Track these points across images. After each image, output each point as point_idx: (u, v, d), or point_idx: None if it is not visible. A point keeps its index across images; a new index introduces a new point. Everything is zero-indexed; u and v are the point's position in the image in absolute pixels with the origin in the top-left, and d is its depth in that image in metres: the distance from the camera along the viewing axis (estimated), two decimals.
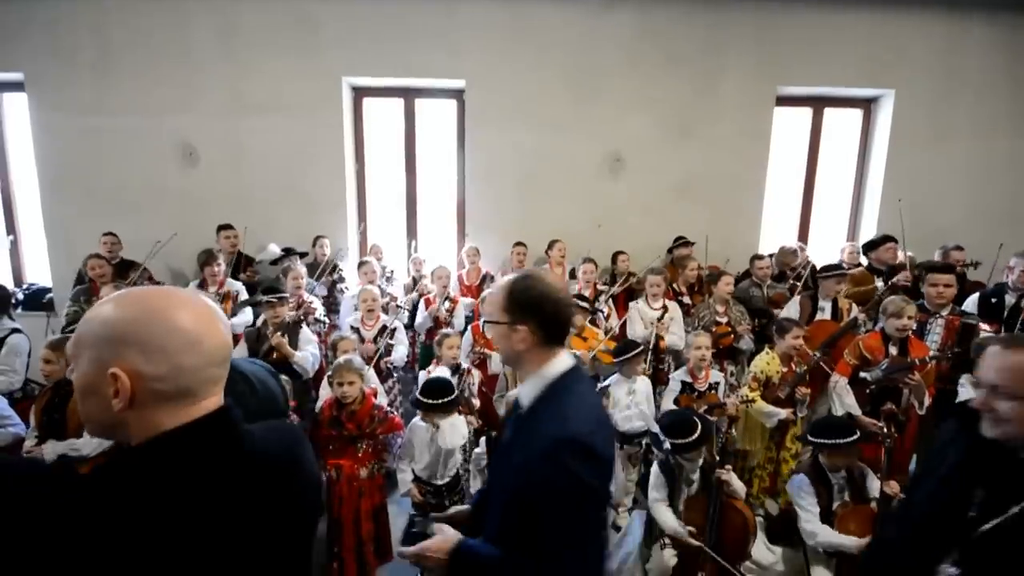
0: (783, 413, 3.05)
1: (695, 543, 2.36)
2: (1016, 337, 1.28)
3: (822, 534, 2.37)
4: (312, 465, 1.00)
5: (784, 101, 5.28)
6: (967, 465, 1.26)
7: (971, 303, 3.51)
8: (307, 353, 3.39)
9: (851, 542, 2.29)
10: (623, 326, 3.96)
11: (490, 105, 5.09)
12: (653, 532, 2.71)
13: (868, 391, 2.97)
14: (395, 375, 3.83)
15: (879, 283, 4.04)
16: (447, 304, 4.14)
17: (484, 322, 1.37)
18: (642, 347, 3.29)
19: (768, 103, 5.19)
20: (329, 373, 2.92)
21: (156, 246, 4.48)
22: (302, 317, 3.60)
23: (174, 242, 4.86)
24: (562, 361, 1.27)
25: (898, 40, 5.07)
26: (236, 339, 3.79)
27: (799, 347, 3.17)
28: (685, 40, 5.06)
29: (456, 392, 2.81)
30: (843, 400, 2.99)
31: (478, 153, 5.19)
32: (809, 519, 2.43)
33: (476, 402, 3.19)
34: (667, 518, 2.48)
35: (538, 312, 1.25)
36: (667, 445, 2.52)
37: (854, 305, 3.72)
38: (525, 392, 1.28)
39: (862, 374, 3.02)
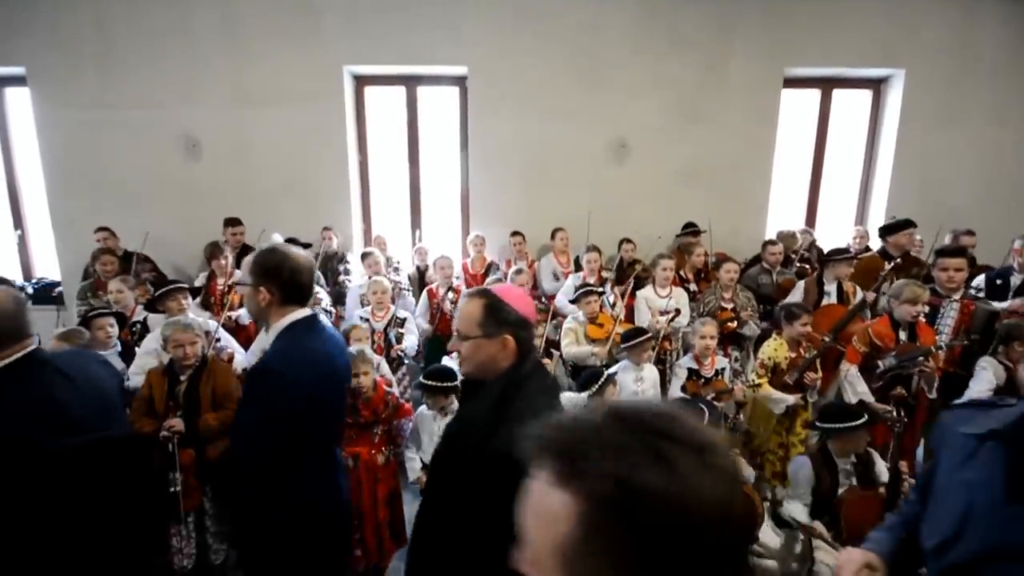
0: (791, 399, 3.04)
1: None
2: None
3: (793, 512, 2.45)
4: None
5: (792, 83, 5.20)
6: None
7: (978, 284, 3.49)
8: None
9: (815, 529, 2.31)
10: (629, 311, 3.96)
11: (493, 92, 5.03)
12: None
13: (880, 378, 2.96)
14: (405, 364, 3.84)
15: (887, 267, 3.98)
16: (451, 295, 4.14)
17: (238, 283, 1.66)
18: (649, 334, 3.28)
19: (776, 85, 5.11)
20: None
21: (146, 237, 4.51)
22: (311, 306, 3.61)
23: (179, 234, 4.88)
24: (294, 316, 1.63)
25: (909, 18, 4.96)
26: (247, 329, 3.84)
27: (808, 333, 3.14)
28: (691, 22, 4.97)
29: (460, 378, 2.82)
30: (855, 388, 2.97)
31: (481, 141, 5.16)
32: (791, 499, 2.50)
33: None
34: None
35: (277, 277, 1.58)
36: None
37: (859, 288, 3.70)
38: (267, 339, 1.65)
39: (876, 361, 3.01)
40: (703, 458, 0.50)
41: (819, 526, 2.35)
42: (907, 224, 4.16)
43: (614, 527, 0.48)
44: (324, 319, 1.79)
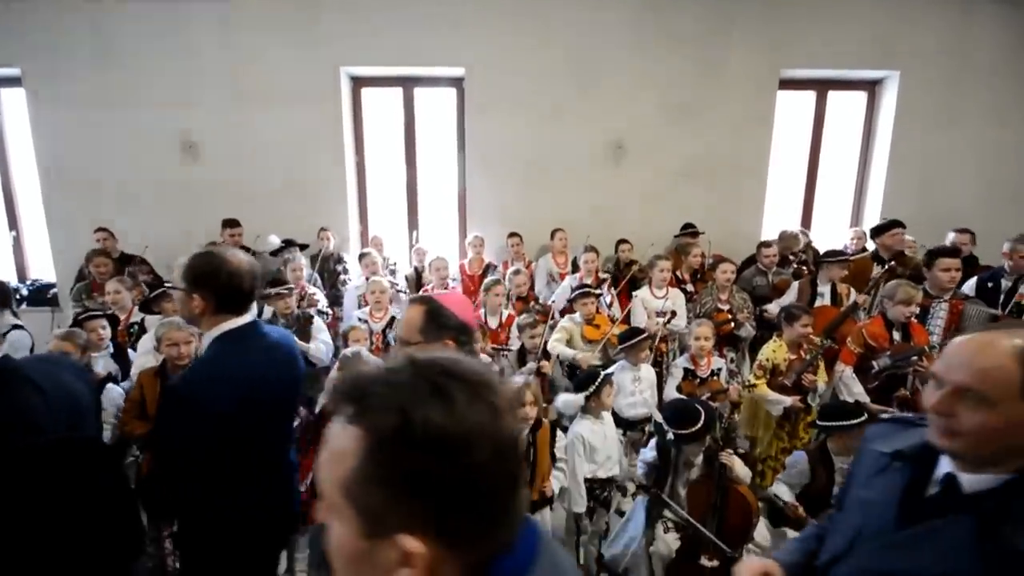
0: (788, 401, 3.03)
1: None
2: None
3: (777, 490, 2.54)
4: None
5: (787, 84, 5.22)
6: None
7: (969, 287, 3.51)
8: (320, 343, 3.44)
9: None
10: (626, 312, 3.96)
11: (490, 93, 5.04)
12: (652, 516, 2.74)
13: (875, 379, 2.97)
14: None
15: (877, 269, 4.01)
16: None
17: (171, 287, 1.57)
18: (646, 334, 3.29)
19: (771, 86, 5.13)
20: (338, 364, 2.95)
21: (145, 250, 4.58)
22: (306, 308, 3.62)
23: (176, 235, 4.87)
24: (227, 325, 1.54)
25: (905, 20, 4.98)
26: None
27: (808, 335, 3.12)
28: (687, 23, 4.99)
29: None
30: (851, 389, 2.98)
31: (478, 142, 5.16)
32: (780, 480, 2.56)
33: None
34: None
35: (211, 283, 1.50)
36: (670, 436, 2.53)
37: (852, 289, 3.71)
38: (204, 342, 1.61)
39: (871, 362, 3.02)
40: (478, 393, 0.56)
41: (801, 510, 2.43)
42: (893, 225, 4.20)
43: (393, 455, 0.52)
44: (268, 326, 1.73)
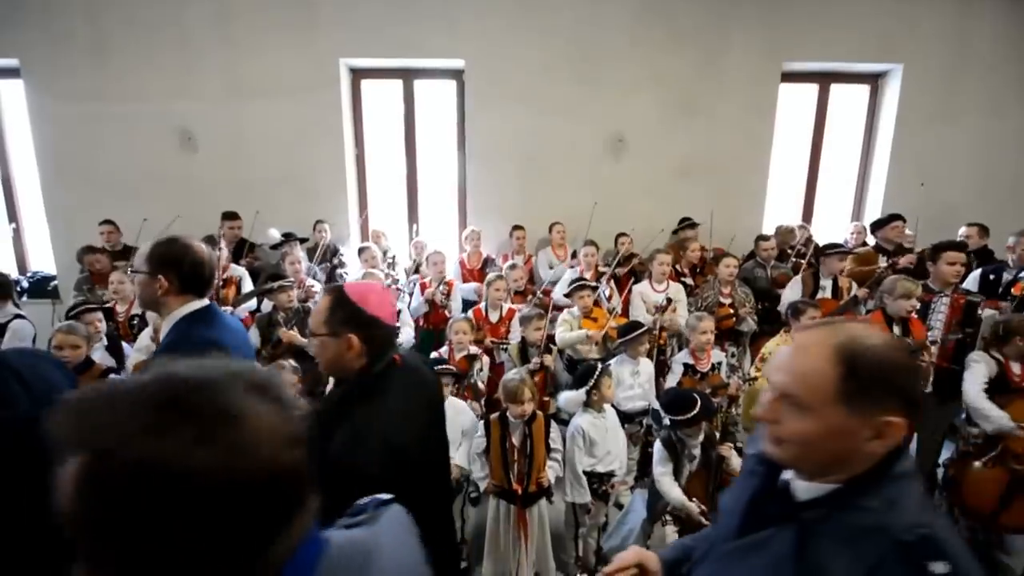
0: None
1: (703, 520, 2.37)
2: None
3: None
4: None
5: (789, 77, 5.18)
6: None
7: (971, 280, 3.50)
8: None
9: None
10: (626, 306, 3.96)
11: (490, 86, 5.01)
12: (655, 510, 2.75)
13: None
14: None
15: (883, 262, 4.01)
16: (442, 287, 4.14)
17: (132, 270, 1.58)
18: (646, 327, 3.29)
19: (773, 80, 5.10)
20: None
21: (143, 224, 4.51)
22: (306, 301, 3.62)
23: (175, 227, 4.85)
24: (192, 306, 1.62)
25: (908, 13, 4.94)
26: (244, 324, 3.83)
27: None
28: (689, 16, 4.95)
29: (455, 370, 2.85)
30: None
31: (478, 135, 5.14)
32: None
33: (483, 387, 3.20)
34: (674, 492, 2.49)
35: (176, 266, 1.58)
36: (667, 421, 2.54)
37: (854, 284, 3.71)
38: (164, 327, 1.65)
39: None
40: (210, 431, 0.50)
41: None
42: (893, 218, 4.20)
43: (88, 492, 0.48)
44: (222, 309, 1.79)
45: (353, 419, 1.23)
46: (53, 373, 1.66)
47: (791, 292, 3.82)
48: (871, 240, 4.74)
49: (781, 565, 0.85)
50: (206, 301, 1.68)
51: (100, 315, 3.16)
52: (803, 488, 0.90)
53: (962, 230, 4.30)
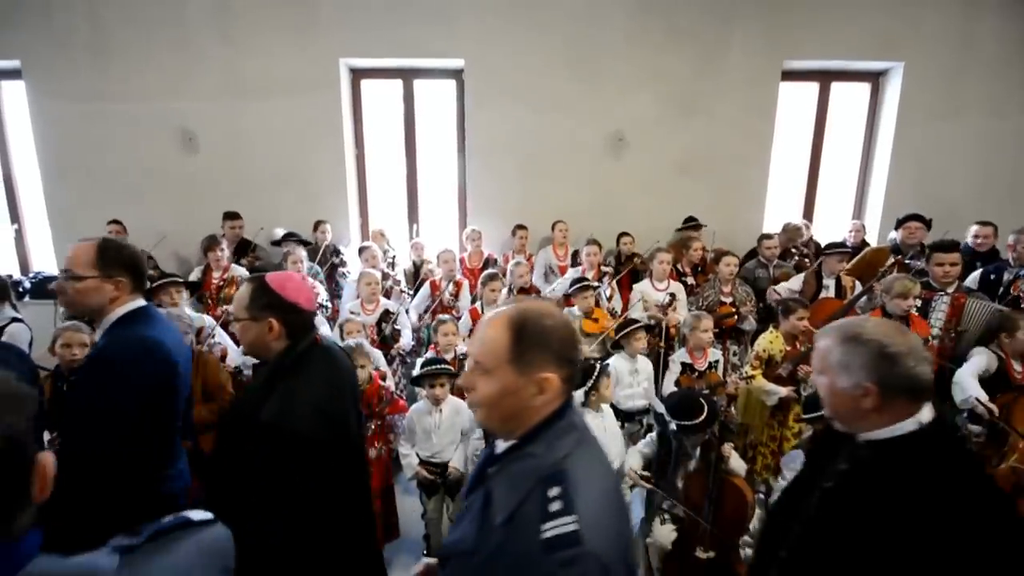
0: (783, 391, 3.05)
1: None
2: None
3: None
4: None
5: (790, 76, 5.17)
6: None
7: (971, 279, 3.49)
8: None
9: None
10: (626, 306, 3.97)
11: (490, 85, 5.01)
12: (652, 508, 2.75)
13: None
14: (397, 360, 3.85)
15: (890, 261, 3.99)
16: (451, 287, 4.15)
17: (73, 276, 1.56)
18: (641, 323, 3.30)
19: (774, 78, 5.08)
20: None
21: (161, 240, 4.56)
22: None
23: (177, 227, 4.89)
24: (134, 304, 1.62)
25: (909, 11, 4.92)
26: None
27: (804, 327, 3.13)
28: (689, 14, 4.94)
29: (452, 370, 2.86)
30: None
31: (478, 134, 5.14)
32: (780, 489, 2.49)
33: None
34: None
35: (130, 267, 1.59)
36: (673, 427, 2.53)
37: (857, 283, 3.70)
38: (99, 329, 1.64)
39: None
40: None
41: None
42: (909, 219, 4.17)
43: None
44: (158, 309, 1.80)
45: (283, 389, 1.39)
46: (14, 363, 1.71)
47: (787, 286, 3.82)
48: (870, 239, 4.73)
49: (476, 518, 0.96)
50: (143, 301, 1.66)
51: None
52: (500, 447, 1.04)
53: (973, 228, 4.26)
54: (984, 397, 2.62)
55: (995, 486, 1.12)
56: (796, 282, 3.85)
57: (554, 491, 0.87)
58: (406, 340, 3.75)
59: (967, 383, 2.71)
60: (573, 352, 1.01)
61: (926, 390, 1.08)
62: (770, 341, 3.22)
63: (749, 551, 2.56)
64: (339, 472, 1.47)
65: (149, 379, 1.52)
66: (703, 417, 2.43)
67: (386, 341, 3.67)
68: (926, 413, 1.09)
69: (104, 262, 1.56)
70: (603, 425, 2.76)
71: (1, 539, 0.62)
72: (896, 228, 4.36)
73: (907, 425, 1.07)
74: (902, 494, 1.03)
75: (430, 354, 3.23)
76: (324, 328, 3.55)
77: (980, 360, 2.80)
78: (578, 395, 2.73)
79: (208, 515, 0.84)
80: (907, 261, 3.78)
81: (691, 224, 4.88)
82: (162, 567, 0.71)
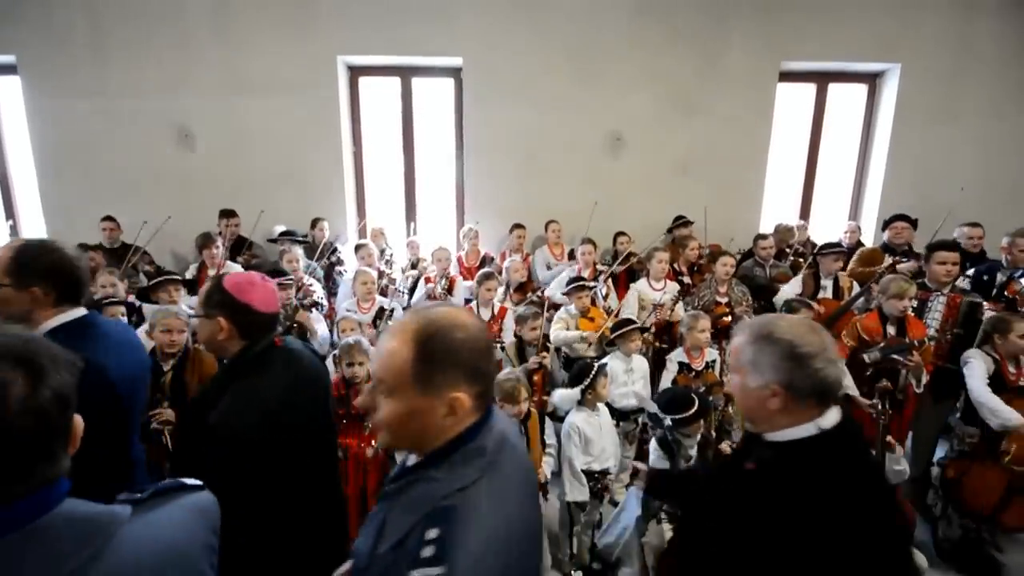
0: None
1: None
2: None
3: None
4: None
5: (787, 77, 5.18)
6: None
7: (965, 280, 3.50)
8: (319, 334, 3.47)
9: None
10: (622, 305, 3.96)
11: (488, 84, 5.01)
12: (650, 507, 2.75)
13: (867, 373, 2.97)
14: None
15: (888, 261, 4.00)
16: (444, 283, 4.15)
17: None
18: (637, 324, 3.30)
19: (771, 79, 5.09)
20: (336, 353, 2.95)
21: (143, 226, 4.43)
22: (303, 299, 3.63)
23: (174, 225, 4.85)
24: (67, 316, 1.48)
25: (906, 13, 4.94)
26: None
27: None
28: (688, 14, 4.94)
29: None
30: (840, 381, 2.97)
31: (476, 133, 5.13)
32: None
33: None
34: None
35: (55, 275, 1.44)
36: (667, 422, 2.54)
37: (855, 283, 3.70)
38: None
39: (862, 355, 3.02)
40: None
41: None
42: (895, 219, 4.19)
43: None
44: (104, 319, 1.66)
45: (235, 391, 1.38)
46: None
47: (790, 288, 3.82)
48: (866, 240, 4.74)
49: (372, 535, 0.90)
50: (82, 311, 1.52)
51: (122, 308, 3.19)
52: (411, 460, 0.96)
53: (964, 229, 4.28)
54: (1020, 419, 2.59)
55: (886, 500, 1.11)
56: (795, 284, 3.85)
57: (432, 533, 0.79)
58: None
59: (993, 404, 2.65)
60: (487, 365, 0.92)
61: (833, 393, 1.06)
62: None
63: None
64: (298, 474, 1.45)
65: (79, 404, 1.38)
66: (693, 410, 2.45)
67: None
68: (831, 417, 1.07)
69: (17, 270, 1.40)
70: (599, 423, 2.76)
71: (46, 476, 0.73)
72: (883, 229, 4.38)
73: (807, 429, 1.05)
74: (791, 498, 1.02)
75: None
76: (321, 326, 3.53)
77: (980, 366, 2.79)
78: (575, 393, 2.73)
79: (198, 482, 0.91)
80: (900, 262, 3.79)
81: (681, 222, 4.88)
82: (169, 515, 0.83)
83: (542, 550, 1.14)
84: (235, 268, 4.22)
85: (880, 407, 2.49)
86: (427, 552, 0.78)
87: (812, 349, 1.04)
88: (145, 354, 1.74)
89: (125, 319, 3.17)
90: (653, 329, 3.65)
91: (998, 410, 2.64)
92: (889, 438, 2.38)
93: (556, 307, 3.89)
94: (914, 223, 4.22)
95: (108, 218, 4.63)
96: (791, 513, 1.00)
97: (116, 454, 1.53)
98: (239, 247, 4.70)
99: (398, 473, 0.97)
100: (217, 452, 1.33)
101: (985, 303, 3.16)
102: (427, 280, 4.20)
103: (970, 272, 3.57)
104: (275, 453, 1.37)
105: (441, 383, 0.87)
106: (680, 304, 3.87)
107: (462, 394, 0.88)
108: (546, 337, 3.45)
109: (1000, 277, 3.42)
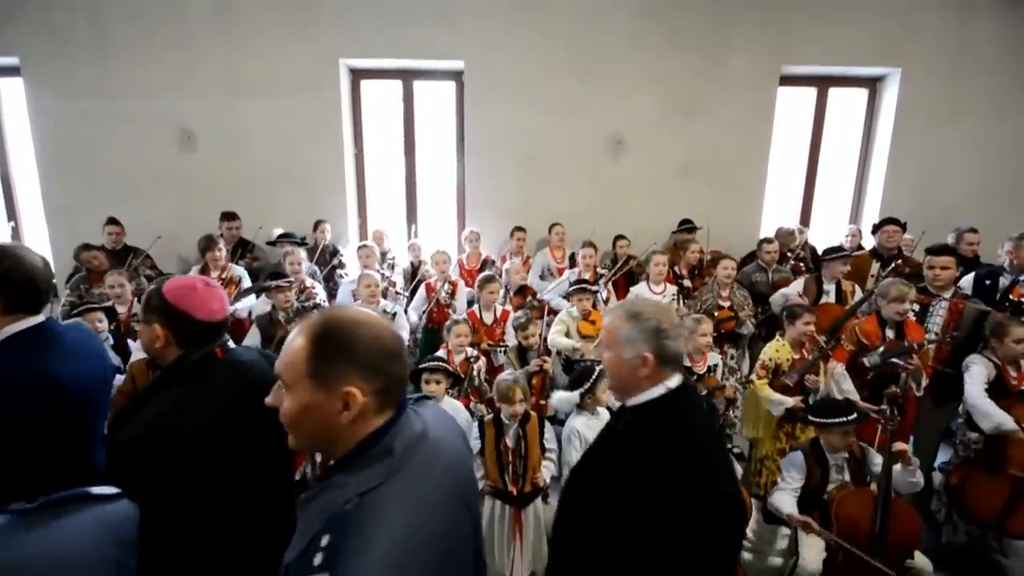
0: (790, 402, 2.94)
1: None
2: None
3: (780, 503, 2.44)
4: None
5: (788, 81, 5.19)
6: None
7: (965, 283, 3.50)
8: None
9: (802, 520, 2.33)
10: None
11: (489, 87, 5.02)
12: None
13: (867, 377, 2.97)
14: None
15: (876, 267, 4.01)
16: (447, 287, 4.15)
17: None
18: None
19: (772, 82, 5.10)
20: None
21: (155, 241, 4.54)
22: (305, 301, 3.63)
23: (176, 227, 4.88)
24: (18, 326, 1.42)
25: (906, 17, 4.95)
26: (242, 324, 3.83)
27: (810, 333, 3.05)
28: (689, 17, 4.96)
29: (451, 369, 2.85)
30: (841, 386, 2.96)
31: (477, 136, 5.14)
32: (782, 489, 2.49)
33: (487, 388, 3.19)
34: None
35: (3, 283, 1.38)
36: None
37: (857, 288, 3.70)
38: None
39: (862, 359, 3.01)
40: None
41: (813, 522, 2.32)
42: (887, 222, 4.19)
43: None
44: (65, 325, 1.63)
45: (155, 407, 1.29)
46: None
47: (791, 290, 3.81)
48: (867, 244, 4.73)
49: (296, 539, 0.87)
50: (40, 318, 1.47)
51: (101, 315, 3.16)
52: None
53: (950, 236, 4.29)
54: (1012, 423, 2.60)
55: (714, 445, 1.33)
56: (796, 286, 3.85)
57: (324, 540, 0.77)
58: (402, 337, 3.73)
59: (986, 407, 2.67)
60: (389, 366, 0.90)
61: (680, 360, 1.31)
62: (776, 350, 3.13)
63: (747, 554, 2.56)
64: (237, 496, 1.34)
65: (32, 414, 1.35)
66: None
67: None
68: (675, 380, 1.30)
69: None
70: (598, 427, 2.74)
71: None
72: (872, 233, 4.38)
73: (658, 390, 1.27)
74: (650, 445, 1.21)
75: (441, 353, 3.22)
76: None
77: (980, 372, 2.78)
78: (574, 396, 2.73)
79: (112, 490, 0.85)
80: (900, 267, 3.79)
81: (687, 227, 4.88)
82: (45, 532, 0.74)
83: (482, 557, 1.10)
84: (238, 270, 4.23)
85: (888, 413, 2.48)
86: (316, 560, 0.75)
87: (670, 326, 1.29)
88: (107, 360, 1.68)
89: (104, 325, 3.15)
90: None
91: (991, 414, 2.65)
92: (904, 447, 2.36)
93: (555, 313, 3.89)
94: (903, 226, 4.22)
95: (112, 221, 4.61)
96: (650, 459, 1.19)
97: (74, 460, 1.48)
98: (240, 249, 4.71)
99: (320, 477, 0.96)
100: (123, 467, 1.25)
101: (993, 312, 3.15)
102: (428, 286, 4.19)
103: (969, 276, 3.56)
104: (200, 473, 1.27)
105: (334, 377, 0.87)
106: (682, 305, 3.87)
107: (355, 389, 0.86)
108: (547, 340, 3.45)
109: (1004, 281, 3.41)
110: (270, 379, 1.45)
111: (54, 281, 1.55)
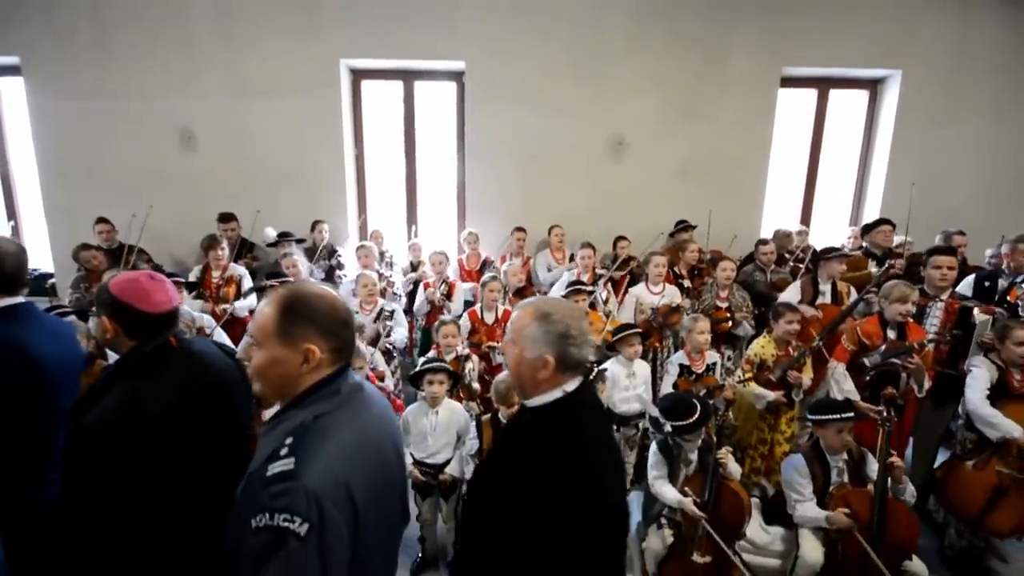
0: (771, 396, 3.06)
1: (698, 513, 2.38)
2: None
3: (807, 512, 2.45)
4: None
5: (789, 82, 5.20)
6: None
7: (966, 285, 3.50)
8: None
9: (837, 517, 2.35)
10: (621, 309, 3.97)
11: (490, 87, 5.02)
12: (649, 513, 2.75)
13: (868, 377, 2.97)
14: (396, 359, 3.84)
15: (873, 267, 4.01)
16: (443, 287, 4.15)
17: None
18: (637, 329, 3.31)
19: (773, 84, 5.11)
20: None
21: (132, 218, 4.42)
22: None
23: (176, 226, 4.87)
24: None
25: (907, 19, 4.96)
26: (243, 323, 3.84)
27: (794, 331, 3.15)
28: (690, 19, 4.96)
29: (451, 369, 2.85)
30: (841, 386, 2.98)
31: (478, 137, 5.15)
32: (800, 499, 2.49)
33: (477, 387, 3.20)
34: (668, 492, 2.51)
35: None
36: (668, 428, 2.54)
37: (852, 289, 3.71)
38: None
39: (863, 359, 3.02)
40: None
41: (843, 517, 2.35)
42: (881, 222, 4.20)
43: None
44: (44, 314, 1.74)
45: (118, 393, 1.37)
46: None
47: (788, 296, 3.82)
48: (864, 244, 4.72)
49: (255, 460, 1.10)
50: (19, 298, 1.61)
51: (73, 317, 3.14)
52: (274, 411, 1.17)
53: (938, 237, 4.29)
54: (1020, 431, 2.58)
55: (607, 454, 1.32)
56: (794, 290, 3.86)
57: (287, 441, 1.02)
58: (398, 336, 3.74)
59: (990, 416, 2.64)
60: (339, 327, 1.14)
61: (583, 367, 1.31)
62: (762, 346, 3.25)
63: (746, 555, 2.56)
64: (192, 483, 1.39)
65: (4, 380, 1.49)
66: (696, 417, 2.45)
67: (381, 338, 3.67)
68: (573, 383, 1.28)
69: None
70: None
71: None
72: (863, 234, 4.38)
73: (555, 393, 1.26)
74: (533, 452, 1.21)
75: (432, 354, 3.22)
76: None
77: (982, 375, 2.77)
78: None
79: None
80: (893, 268, 3.79)
81: (683, 227, 4.89)
82: None
83: (406, 501, 1.33)
84: (240, 269, 4.24)
85: (885, 414, 2.49)
86: (283, 451, 1.00)
87: (579, 333, 1.27)
88: (79, 348, 1.80)
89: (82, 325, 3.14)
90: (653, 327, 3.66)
91: (997, 423, 2.62)
92: (899, 462, 2.38)
93: None
94: (894, 226, 4.24)
95: (102, 220, 4.59)
96: (540, 464, 1.18)
97: (40, 438, 1.57)
98: (240, 250, 4.71)
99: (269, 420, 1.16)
100: (89, 453, 1.32)
101: (976, 308, 3.15)
102: (426, 286, 4.20)
103: (969, 278, 3.56)
104: (157, 460, 1.34)
105: (297, 335, 1.09)
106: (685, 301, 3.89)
107: (314, 346, 1.09)
108: None
109: (1002, 283, 3.42)
110: (226, 368, 1.58)
111: (46, 273, 1.70)
